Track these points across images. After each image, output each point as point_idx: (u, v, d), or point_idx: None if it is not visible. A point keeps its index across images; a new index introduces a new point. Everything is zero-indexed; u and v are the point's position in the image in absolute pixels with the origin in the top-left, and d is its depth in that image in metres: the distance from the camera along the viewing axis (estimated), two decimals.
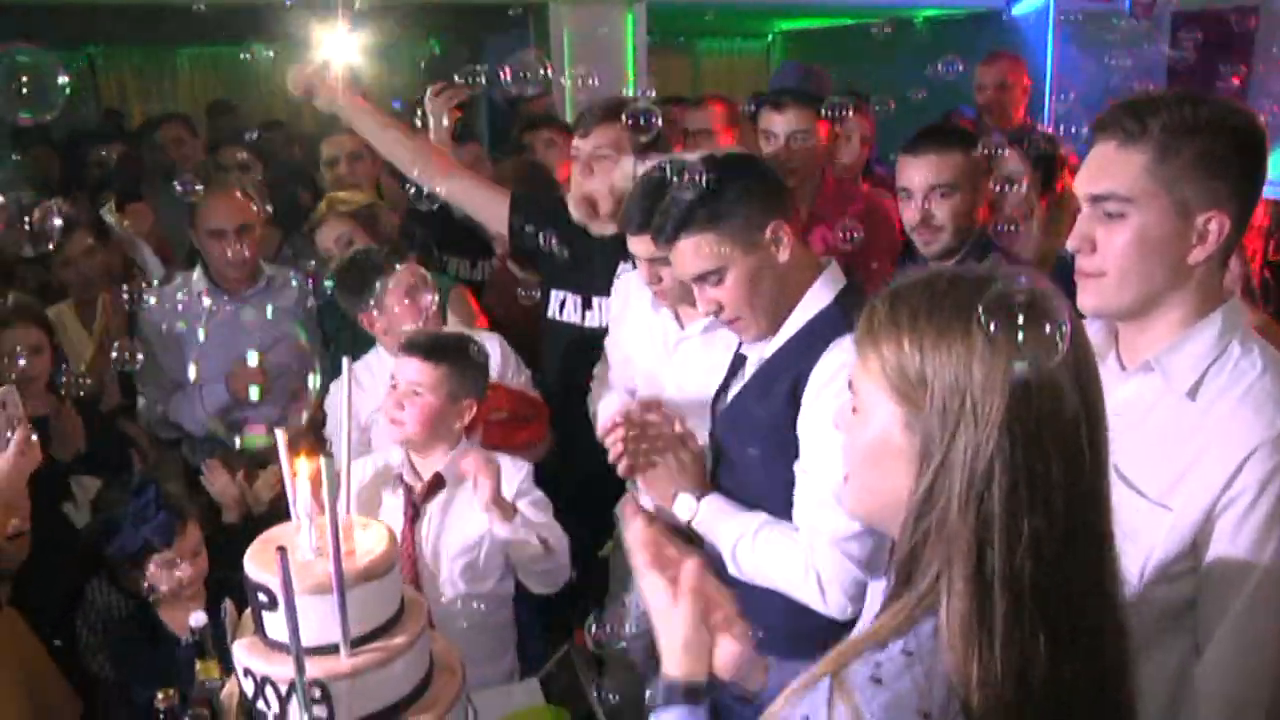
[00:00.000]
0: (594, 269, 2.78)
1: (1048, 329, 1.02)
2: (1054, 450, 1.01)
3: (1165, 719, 1.44)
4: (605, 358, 2.69)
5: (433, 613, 2.13)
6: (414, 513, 2.32)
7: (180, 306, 3.14)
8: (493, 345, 2.73)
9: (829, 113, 3.07)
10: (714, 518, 1.94)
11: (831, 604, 1.79)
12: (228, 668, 1.64)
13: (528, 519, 2.23)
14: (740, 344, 2.04)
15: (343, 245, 3.14)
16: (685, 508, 1.96)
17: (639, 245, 2.27)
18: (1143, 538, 1.41)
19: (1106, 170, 1.49)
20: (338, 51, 2.86)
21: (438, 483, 2.35)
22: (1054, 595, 1.01)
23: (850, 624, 1.77)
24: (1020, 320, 1.02)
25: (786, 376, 1.86)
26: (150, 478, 2.35)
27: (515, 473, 2.37)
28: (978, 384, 1.02)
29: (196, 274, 3.23)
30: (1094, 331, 1.62)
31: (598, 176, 2.66)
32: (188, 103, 8.19)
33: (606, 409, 2.45)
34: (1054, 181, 3.24)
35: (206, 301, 3.14)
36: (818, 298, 1.90)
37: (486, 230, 3.27)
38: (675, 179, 1.89)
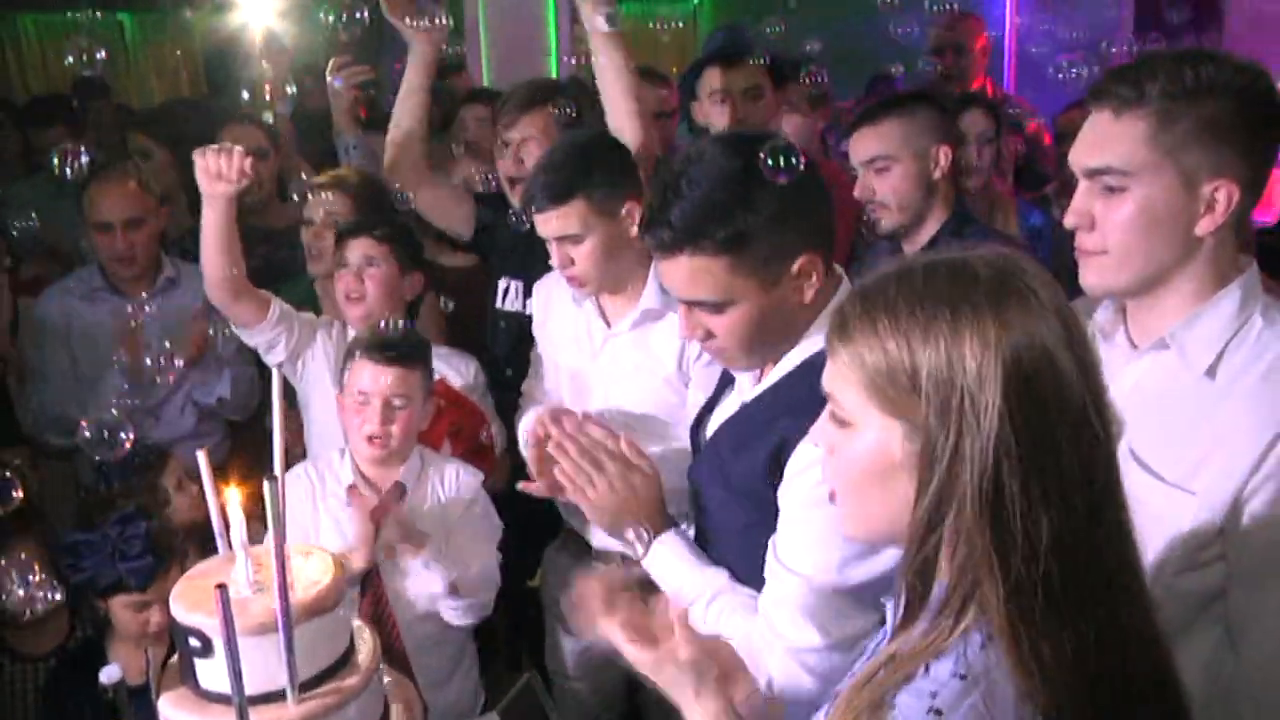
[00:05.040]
0: (535, 253, 2.78)
1: (1035, 308, 1.03)
2: (1064, 439, 1.02)
3: (1199, 715, 1.47)
4: (533, 369, 2.68)
5: (400, 635, 2.14)
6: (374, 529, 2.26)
7: (76, 304, 3.14)
8: (468, 366, 2.76)
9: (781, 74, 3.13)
10: (667, 563, 1.82)
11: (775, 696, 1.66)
12: None
13: (432, 563, 2.21)
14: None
15: (329, 222, 3.03)
16: (634, 544, 1.82)
17: (545, 224, 2.28)
18: (1165, 524, 1.44)
19: (1103, 141, 1.51)
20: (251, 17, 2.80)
21: (397, 493, 2.30)
22: (1089, 592, 1.02)
23: None
24: (1005, 301, 1.03)
25: (770, 435, 1.69)
26: (145, 511, 2.23)
27: (470, 481, 2.37)
28: (971, 377, 1.02)
29: (91, 271, 3.20)
30: (1101, 308, 1.65)
31: (528, 163, 2.73)
32: (40, 81, 7.83)
33: (525, 425, 2.44)
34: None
35: (104, 302, 3.14)
36: (817, 338, 1.68)
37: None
38: (690, 166, 1.65)
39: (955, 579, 1.05)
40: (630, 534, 1.81)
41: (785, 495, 1.66)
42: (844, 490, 1.17)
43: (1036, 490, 1.01)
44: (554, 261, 2.34)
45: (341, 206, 3.01)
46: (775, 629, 1.64)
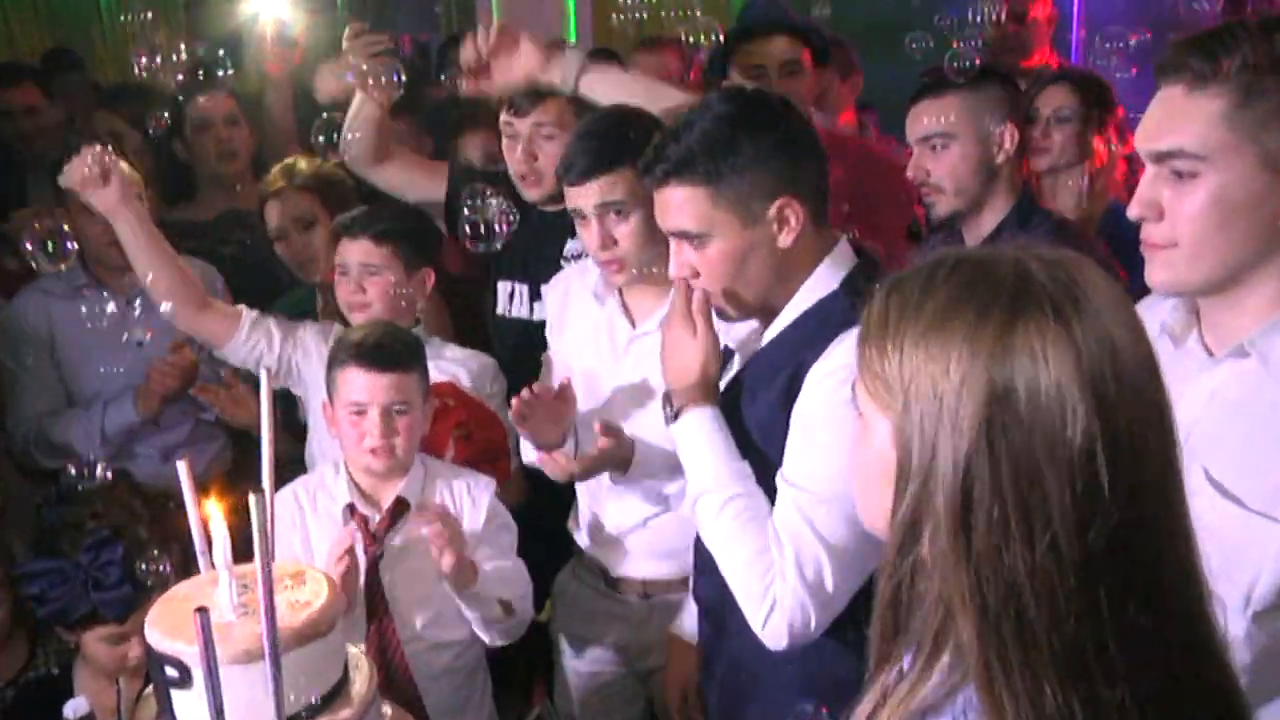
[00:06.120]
0: (540, 252, 2.78)
1: (1053, 335, 0.98)
2: (1053, 476, 0.97)
3: None
4: (543, 375, 2.63)
5: (409, 662, 2.15)
6: (378, 548, 2.25)
7: (58, 305, 3.07)
8: (484, 369, 2.71)
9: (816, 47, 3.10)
10: (692, 440, 1.87)
11: (768, 637, 1.76)
12: None
13: (489, 576, 2.19)
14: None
15: (301, 226, 3.00)
16: (671, 408, 1.91)
17: (584, 197, 2.26)
18: (1248, 556, 1.37)
19: (1172, 121, 1.45)
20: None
21: (399, 509, 2.28)
22: (1082, 652, 0.97)
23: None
24: (1018, 318, 0.98)
25: (781, 376, 1.84)
26: (119, 535, 2.16)
27: (482, 494, 2.34)
28: (953, 389, 0.99)
29: (73, 268, 3.06)
30: (1171, 309, 1.59)
31: (543, 159, 2.69)
32: (4, 53, 7.66)
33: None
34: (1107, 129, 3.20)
35: (87, 298, 3.04)
36: (820, 283, 1.89)
37: None
38: (692, 112, 1.89)
39: (931, 611, 1.03)
40: (675, 396, 1.92)
41: (797, 411, 1.79)
42: (855, 482, 1.19)
43: (1018, 525, 0.97)
44: (591, 243, 2.31)
45: (305, 205, 2.97)
46: (784, 558, 1.72)
